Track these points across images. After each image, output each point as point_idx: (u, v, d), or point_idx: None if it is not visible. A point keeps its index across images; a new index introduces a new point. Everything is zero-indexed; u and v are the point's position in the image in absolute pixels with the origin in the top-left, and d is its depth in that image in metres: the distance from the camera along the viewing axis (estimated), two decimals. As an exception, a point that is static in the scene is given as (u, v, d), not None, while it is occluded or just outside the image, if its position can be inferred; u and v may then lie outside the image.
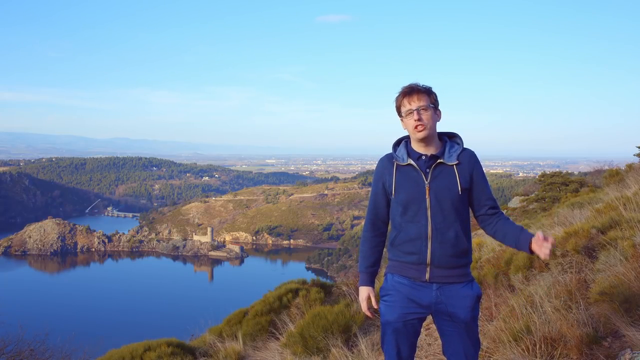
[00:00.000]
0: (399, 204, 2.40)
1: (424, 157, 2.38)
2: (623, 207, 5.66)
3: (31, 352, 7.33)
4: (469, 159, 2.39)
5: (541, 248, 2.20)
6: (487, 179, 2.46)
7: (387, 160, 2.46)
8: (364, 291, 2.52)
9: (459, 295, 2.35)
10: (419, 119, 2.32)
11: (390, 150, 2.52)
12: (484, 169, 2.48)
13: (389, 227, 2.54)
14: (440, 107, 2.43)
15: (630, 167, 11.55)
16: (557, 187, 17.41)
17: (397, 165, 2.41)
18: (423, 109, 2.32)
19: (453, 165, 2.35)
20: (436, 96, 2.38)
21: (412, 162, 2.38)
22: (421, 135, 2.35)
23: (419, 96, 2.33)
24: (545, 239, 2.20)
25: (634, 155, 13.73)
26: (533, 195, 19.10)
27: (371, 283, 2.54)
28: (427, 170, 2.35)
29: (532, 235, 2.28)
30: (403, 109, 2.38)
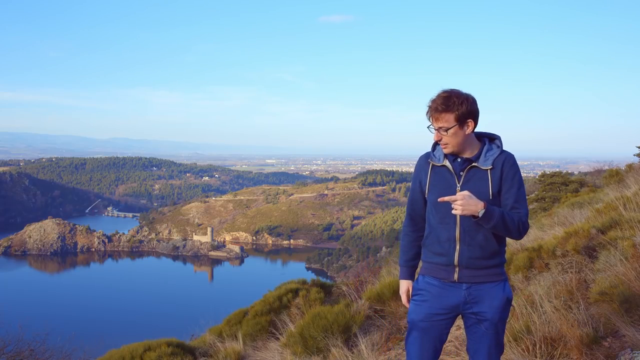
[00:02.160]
0: (432, 205, 2.40)
1: (459, 160, 2.37)
2: (623, 207, 5.67)
3: (31, 352, 7.33)
4: (504, 163, 2.32)
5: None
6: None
7: (425, 159, 2.46)
8: (404, 285, 2.56)
9: (489, 295, 2.32)
10: (440, 140, 2.33)
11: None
12: None
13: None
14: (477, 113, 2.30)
15: (630, 167, 11.55)
16: (557, 187, 17.39)
17: (432, 165, 2.42)
18: (444, 130, 2.29)
19: (487, 169, 2.32)
20: (467, 106, 2.26)
21: (447, 163, 2.37)
22: (446, 152, 2.36)
23: (440, 116, 2.28)
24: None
25: (634, 155, 13.74)
26: (533, 195, 19.08)
27: (410, 276, 2.56)
28: (461, 173, 2.34)
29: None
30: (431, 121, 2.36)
